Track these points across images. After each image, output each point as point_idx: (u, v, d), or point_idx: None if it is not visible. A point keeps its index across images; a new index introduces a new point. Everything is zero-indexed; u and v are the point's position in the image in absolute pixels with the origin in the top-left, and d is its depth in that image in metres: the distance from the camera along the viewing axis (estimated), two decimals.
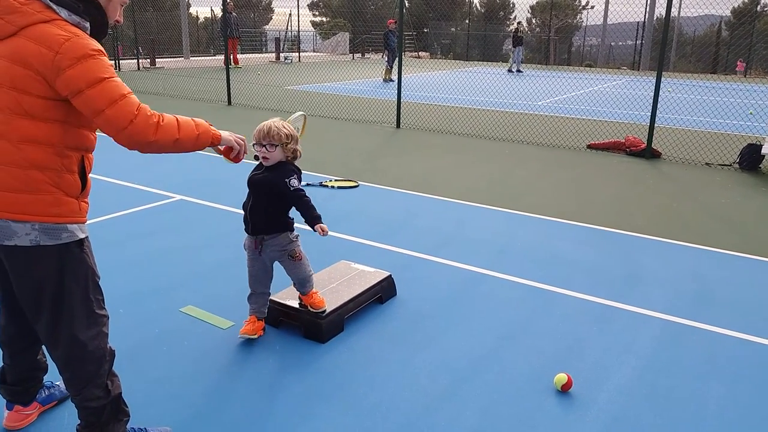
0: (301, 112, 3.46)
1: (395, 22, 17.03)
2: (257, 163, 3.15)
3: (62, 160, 2.02)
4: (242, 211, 3.21)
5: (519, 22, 24.64)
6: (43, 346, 2.43)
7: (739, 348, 3.40)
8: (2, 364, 2.46)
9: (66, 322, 2.12)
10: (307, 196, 3.11)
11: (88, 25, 2.04)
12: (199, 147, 2.23)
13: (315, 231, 3.08)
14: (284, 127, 3.03)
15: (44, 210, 2.00)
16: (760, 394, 2.96)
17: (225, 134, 2.37)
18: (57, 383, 2.65)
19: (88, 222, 2.19)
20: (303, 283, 3.33)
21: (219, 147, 2.41)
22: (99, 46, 2.01)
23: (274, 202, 3.13)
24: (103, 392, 2.22)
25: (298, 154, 3.13)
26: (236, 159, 2.51)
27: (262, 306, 3.33)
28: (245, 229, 3.22)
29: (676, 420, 2.75)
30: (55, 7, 1.96)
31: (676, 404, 2.86)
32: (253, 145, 3.03)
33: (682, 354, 3.31)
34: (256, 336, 3.25)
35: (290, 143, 3.05)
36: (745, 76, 25.59)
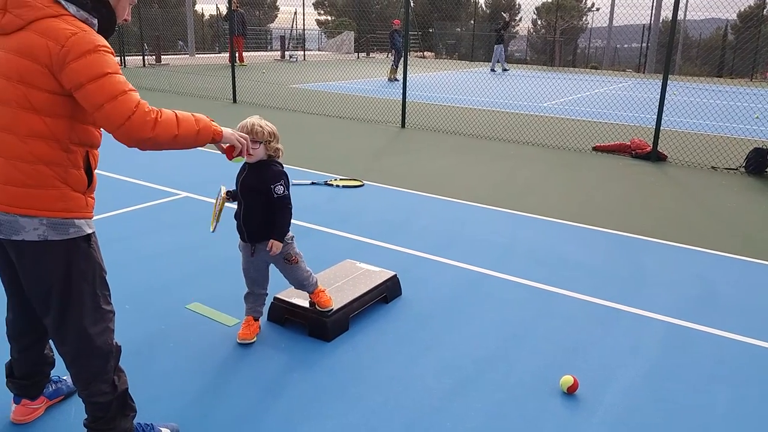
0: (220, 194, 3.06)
1: (401, 22, 17.01)
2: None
3: (68, 155, 2.02)
4: (234, 220, 3.16)
5: (502, 21, 22.99)
6: (51, 341, 2.44)
7: (745, 352, 3.40)
8: (10, 358, 2.47)
9: (73, 318, 2.12)
10: (289, 206, 3.06)
11: (95, 21, 2.05)
12: (200, 143, 2.19)
13: (267, 242, 3.03)
14: (267, 125, 2.98)
15: (51, 205, 2.01)
16: (765, 398, 2.96)
17: (227, 132, 2.33)
18: (64, 378, 2.66)
19: (94, 218, 2.19)
20: (301, 286, 3.31)
21: (222, 145, 2.40)
22: (105, 43, 2.00)
23: (266, 208, 3.05)
24: (110, 387, 2.23)
25: (280, 153, 3.07)
26: (240, 155, 2.50)
27: (259, 306, 3.34)
28: (240, 237, 3.20)
29: (682, 423, 2.74)
30: (63, 2, 1.97)
31: (681, 407, 2.86)
32: None
33: (687, 357, 3.31)
34: (254, 340, 3.26)
35: (273, 141, 2.99)
36: (751, 80, 25.52)
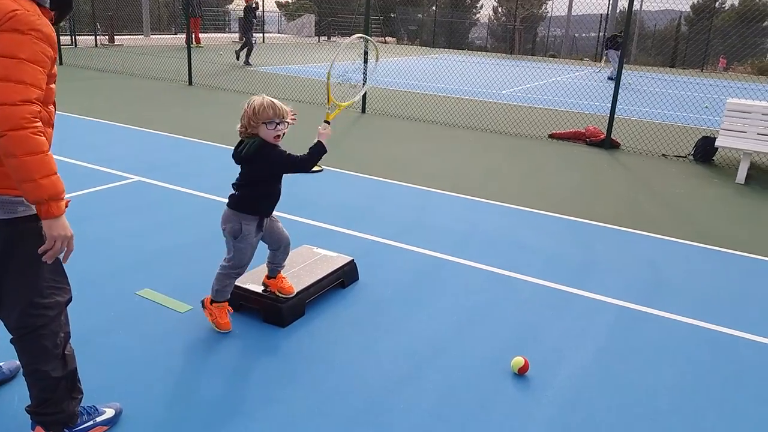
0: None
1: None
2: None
3: None
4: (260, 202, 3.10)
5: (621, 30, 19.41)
6: None
7: (690, 334, 3.52)
8: None
9: (24, 296, 2.09)
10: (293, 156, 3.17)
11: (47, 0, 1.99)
12: (29, 192, 1.85)
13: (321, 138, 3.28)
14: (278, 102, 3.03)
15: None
16: (709, 378, 3.07)
17: (60, 227, 1.92)
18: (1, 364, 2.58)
19: None
20: (289, 243, 3.30)
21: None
22: (46, 30, 1.89)
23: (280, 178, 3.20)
24: (59, 365, 2.18)
25: None
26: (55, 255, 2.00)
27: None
28: (262, 214, 3.10)
29: (629, 403, 2.83)
30: None
31: (629, 388, 2.94)
32: (271, 123, 2.98)
33: (635, 339, 3.41)
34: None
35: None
36: (702, 70, 26.28)
